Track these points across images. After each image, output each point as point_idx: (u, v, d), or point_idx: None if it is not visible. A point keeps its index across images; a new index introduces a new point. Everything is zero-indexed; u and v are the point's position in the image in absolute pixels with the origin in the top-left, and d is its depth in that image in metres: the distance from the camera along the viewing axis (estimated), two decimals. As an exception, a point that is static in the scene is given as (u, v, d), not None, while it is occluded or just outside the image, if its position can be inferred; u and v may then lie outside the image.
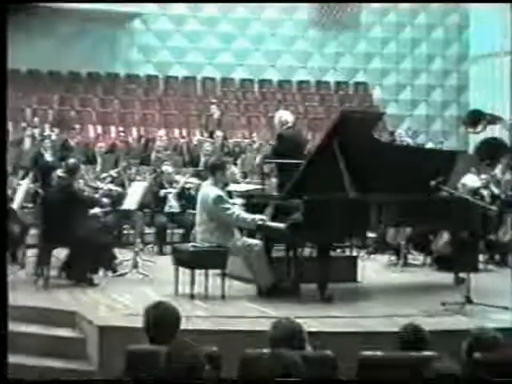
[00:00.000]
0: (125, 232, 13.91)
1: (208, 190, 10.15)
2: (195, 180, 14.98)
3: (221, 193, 10.07)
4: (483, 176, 14.58)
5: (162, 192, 14.68)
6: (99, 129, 20.61)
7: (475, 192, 13.39)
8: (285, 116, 12.05)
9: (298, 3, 25.48)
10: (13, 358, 8.61)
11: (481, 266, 12.44)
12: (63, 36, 22.69)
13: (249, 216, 10.01)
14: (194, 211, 12.31)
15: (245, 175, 13.90)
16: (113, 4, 22.75)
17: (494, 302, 9.29)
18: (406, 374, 5.03)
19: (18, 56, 22.57)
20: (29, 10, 21.78)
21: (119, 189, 14.22)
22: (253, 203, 10.52)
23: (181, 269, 9.93)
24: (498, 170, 15.90)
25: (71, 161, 13.03)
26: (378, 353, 5.67)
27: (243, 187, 11.80)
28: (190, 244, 10.93)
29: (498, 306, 9.18)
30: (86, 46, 23.25)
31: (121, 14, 23.49)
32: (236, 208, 10.10)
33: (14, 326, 9.14)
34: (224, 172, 10.68)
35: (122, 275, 11.41)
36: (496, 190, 13.90)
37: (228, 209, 9.91)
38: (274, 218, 9.98)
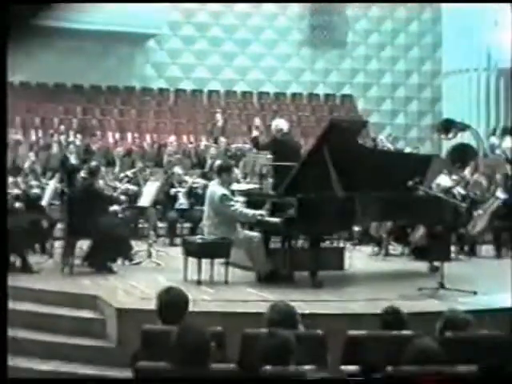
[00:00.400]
0: (140, 226, 13.89)
1: (215, 188, 10.17)
2: (202, 180, 14.97)
3: (226, 192, 10.08)
4: (454, 177, 14.55)
5: (173, 191, 14.69)
6: (117, 135, 20.59)
7: (447, 191, 13.36)
8: (281, 124, 12.06)
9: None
10: (42, 337, 8.65)
11: (452, 255, 12.41)
12: (87, 54, 22.68)
13: (249, 212, 10.03)
14: (200, 207, 12.34)
15: (245, 176, 13.84)
16: (130, 26, 22.76)
17: (463, 288, 9.32)
18: (388, 350, 5.02)
19: (46, 72, 22.62)
20: (58, 31, 21.77)
21: (135, 188, 14.20)
22: (252, 201, 10.51)
23: (189, 258, 9.93)
24: (467, 172, 15.88)
25: (93, 163, 13.03)
26: (363, 332, 5.67)
27: (244, 186, 11.77)
28: (198, 236, 10.93)
29: (467, 290, 9.22)
30: (107, 63, 23.27)
31: (137, 35, 23.53)
32: (238, 205, 10.10)
33: (43, 309, 9.18)
34: (230, 173, 10.71)
35: (137, 264, 11.40)
36: (462, 191, 13.87)
37: (232, 206, 9.93)
38: (271, 214, 9.97)
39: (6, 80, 1.56)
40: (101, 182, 12.48)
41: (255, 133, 12.41)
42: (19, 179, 14.26)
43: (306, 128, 22.68)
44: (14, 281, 10.13)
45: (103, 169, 14.43)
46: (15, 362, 8.06)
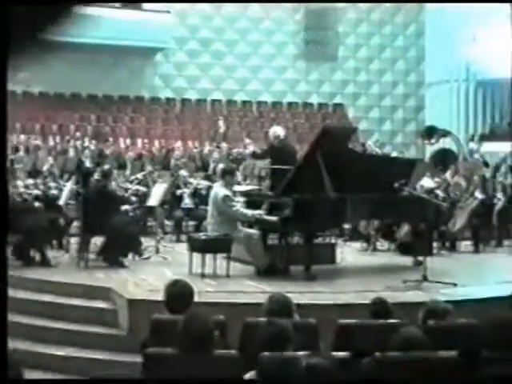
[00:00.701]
0: (149, 224, 13.86)
1: (218, 190, 10.18)
2: (205, 182, 14.97)
3: (228, 193, 10.09)
4: (436, 179, 14.57)
5: (179, 192, 14.69)
6: (128, 141, 20.59)
7: (430, 192, 13.37)
8: (278, 131, 12.05)
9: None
10: (59, 325, 8.65)
11: (434, 251, 12.42)
12: (100, 67, 22.69)
13: (249, 211, 10.04)
14: (204, 207, 12.34)
15: (245, 178, 13.86)
16: (140, 41, 22.78)
17: (445, 280, 9.32)
18: (376, 337, 5.02)
19: (63, 82, 22.63)
20: (74, 45, 21.76)
21: (144, 189, 14.21)
22: (252, 201, 10.52)
23: (194, 253, 9.92)
24: (448, 174, 15.88)
25: (106, 167, 13.04)
26: (353, 320, 5.67)
27: (244, 188, 11.79)
28: (202, 233, 10.95)
29: (448, 282, 9.23)
30: (118, 75, 23.27)
31: (147, 49, 23.55)
32: (239, 205, 10.10)
33: (60, 299, 9.18)
34: (232, 176, 10.72)
35: (146, 258, 11.39)
36: (441, 194, 13.87)
37: (233, 206, 9.94)
38: (269, 213, 9.97)
39: (7, 81, 1.52)
40: (113, 184, 12.47)
41: (251, 148, 12.36)
42: (39, 181, 14.25)
43: (300, 134, 22.66)
44: (34, 274, 10.17)
45: (115, 172, 14.43)
46: (34, 348, 8.08)
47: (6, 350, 2.62)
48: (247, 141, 13.20)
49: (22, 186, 13.65)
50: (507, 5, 23.35)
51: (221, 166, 15.91)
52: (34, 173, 15.09)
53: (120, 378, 3.61)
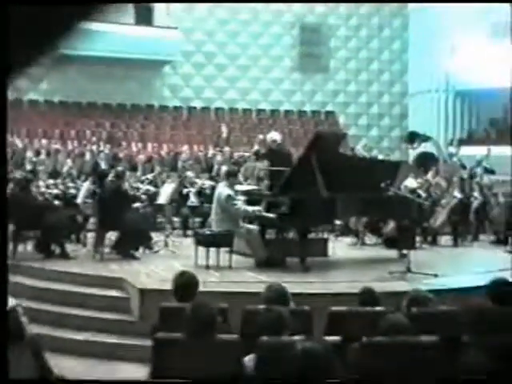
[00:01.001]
0: (158, 220, 13.85)
1: (222, 190, 10.18)
2: (209, 182, 14.97)
3: (231, 192, 10.09)
4: (419, 180, 14.57)
5: (185, 191, 14.68)
6: (140, 145, 20.61)
7: (413, 191, 13.37)
8: (275, 136, 12.05)
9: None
10: (77, 312, 8.65)
11: (417, 245, 12.40)
12: (114, 78, 22.70)
13: (249, 208, 10.04)
14: (209, 205, 12.32)
15: (246, 179, 13.84)
16: (150, 54, 22.81)
17: (427, 271, 9.33)
18: (364, 323, 5.02)
19: (81, 92, 22.65)
20: (91, 58, 21.78)
21: (154, 189, 14.22)
22: (252, 199, 10.51)
23: (199, 247, 9.93)
24: (429, 176, 15.87)
25: (119, 168, 13.03)
26: (343, 308, 5.67)
27: (245, 187, 11.75)
28: (207, 229, 10.94)
29: (429, 273, 9.24)
30: (130, 86, 23.27)
31: (156, 61, 23.58)
32: (240, 203, 10.09)
33: (78, 289, 9.19)
34: (235, 178, 10.74)
35: (156, 252, 11.37)
36: (423, 193, 13.86)
37: (235, 204, 9.94)
38: (267, 210, 9.98)
39: (7, 83, 1.49)
40: (126, 184, 12.48)
41: (256, 147, 12.34)
42: (58, 181, 14.26)
43: (296, 139, 22.63)
44: (54, 265, 10.17)
45: (128, 173, 14.43)
46: (55, 333, 8.08)
47: (6, 350, 2.53)
48: (256, 147, 13.17)
49: (43, 186, 13.66)
50: (485, 20, 23.41)
51: (224, 168, 15.93)
52: (55, 174, 15.08)
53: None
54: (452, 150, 21.42)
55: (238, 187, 11.64)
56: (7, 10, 1.07)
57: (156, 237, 11.76)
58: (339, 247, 11.57)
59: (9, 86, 1.11)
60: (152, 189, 14.30)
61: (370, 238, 13.37)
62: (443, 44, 23.66)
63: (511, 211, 14.76)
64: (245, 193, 10.79)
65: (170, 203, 12.97)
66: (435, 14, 24.47)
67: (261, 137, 13.93)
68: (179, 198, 14.10)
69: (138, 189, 13.90)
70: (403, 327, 4.22)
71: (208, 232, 10.34)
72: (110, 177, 12.06)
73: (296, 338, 4.35)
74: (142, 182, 15.05)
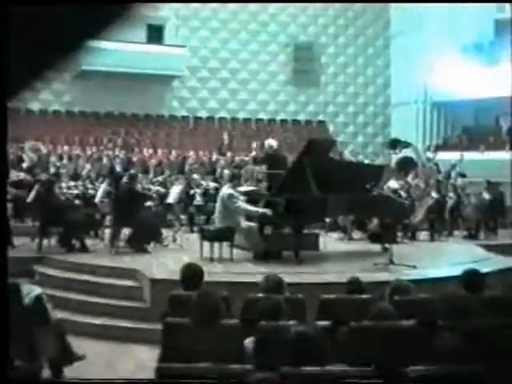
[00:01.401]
0: (168, 218, 13.86)
1: (226, 190, 10.16)
2: (213, 184, 14.98)
3: (233, 192, 10.06)
4: (400, 182, 14.59)
5: (192, 192, 14.70)
6: (151, 151, 20.54)
7: (395, 192, 13.38)
8: (271, 143, 12.07)
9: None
10: (95, 299, 8.65)
11: (398, 239, 12.43)
12: (129, 91, 22.68)
13: (249, 207, 10.03)
14: (212, 204, 12.34)
15: (246, 180, 13.83)
16: (161, 70, 22.82)
17: (407, 263, 9.33)
18: (352, 310, 5.03)
19: (99, 103, 22.65)
20: (108, 73, 21.78)
21: (163, 189, 14.23)
22: (251, 199, 10.50)
23: (204, 242, 9.93)
24: (409, 178, 15.89)
25: (132, 172, 13.05)
26: (333, 296, 5.67)
27: (245, 188, 11.75)
28: (211, 226, 10.96)
29: (409, 265, 9.23)
30: (143, 97, 23.24)
31: (166, 76, 23.60)
32: (241, 202, 10.08)
33: (96, 279, 9.19)
34: (238, 180, 10.74)
35: (165, 246, 11.39)
36: (404, 193, 13.87)
37: (236, 203, 9.92)
38: (266, 208, 9.98)
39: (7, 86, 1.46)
40: (138, 185, 12.49)
41: (254, 153, 12.35)
42: (79, 183, 14.27)
43: (290, 145, 22.51)
44: (75, 258, 10.18)
45: (140, 175, 14.45)
46: (75, 318, 8.08)
47: (6, 351, 2.48)
48: (254, 152, 13.16)
49: (65, 187, 13.67)
50: (457, 41, 23.48)
51: (226, 171, 15.96)
52: (75, 176, 15.10)
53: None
54: (429, 155, 21.46)
55: (240, 188, 11.67)
56: (7, 11, 1.05)
57: (165, 232, 11.76)
58: (329, 242, 11.58)
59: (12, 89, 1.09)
60: (162, 190, 14.31)
61: (356, 234, 13.39)
62: (421, 61, 23.70)
63: (482, 210, 14.82)
64: (245, 193, 10.80)
65: (178, 202, 12.97)
66: (414, 35, 24.59)
67: (256, 144, 13.86)
68: (186, 197, 14.12)
69: (149, 189, 13.91)
70: (389, 313, 4.23)
71: (212, 228, 10.35)
72: (125, 179, 12.07)
73: (291, 322, 4.36)
74: (153, 183, 15.06)
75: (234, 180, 10.54)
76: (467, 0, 21.94)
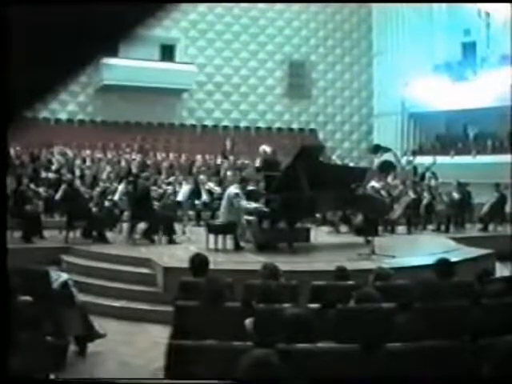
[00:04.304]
0: (178, 213, 13.84)
1: (233, 189, 10.09)
2: (217, 188, 14.89)
3: (239, 191, 10.01)
4: (381, 182, 14.58)
5: (199, 190, 14.66)
6: (164, 155, 20.53)
7: (377, 191, 13.38)
8: (265, 148, 12.08)
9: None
10: (115, 284, 8.64)
11: (380, 233, 12.42)
12: (145, 102, 22.68)
13: (250, 204, 10.01)
14: (217, 202, 12.35)
15: (248, 181, 13.80)
16: (172, 84, 22.81)
17: (387, 253, 9.34)
18: (339, 294, 5.02)
19: (118, 113, 22.64)
20: (127, 87, 21.78)
21: (174, 188, 14.21)
22: (252, 197, 10.48)
23: (210, 234, 9.93)
24: (389, 179, 15.90)
25: (146, 173, 13.04)
26: (322, 282, 5.68)
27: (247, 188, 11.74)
28: (216, 220, 10.94)
29: (389, 255, 9.25)
30: (157, 108, 23.26)
31: (177, 90, 23.62)
32: (244, 200, 10.04)
33: (116, 267, 9.18)
34: (247, 183, 10.69)
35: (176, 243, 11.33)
36: (384, 193, 13.85)
37: (240, 200, 9.90)
38: (264, 206, 9.98)
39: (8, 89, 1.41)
40: (152, 185, 12.49)
41: (258, 163, 12.26)
42: (101, 183, 14.26)
43: (286, 150, 22.46)
44: (97, 248, 10.18)
45: (154, 176, 14.44)
46: (97, 300, 8.08)
47: (6, 350, 2.37)
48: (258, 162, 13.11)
49: (87, 185, 13.66)
50: (430, 60, 23.52)
51: (229, 173, 15.95)
52: (97, 177, 15.09)
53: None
54: (407, 158, 21.46)
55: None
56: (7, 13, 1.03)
57: (176, 226, 11.77)
58: (319, 235, 11.56)
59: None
60: (172, 189, 14.27)
61: (343, 228, 13.38)
62: (399, 77, 23.77)
63: (452, 207, 14.83)
64: (246, 192, 10.79)
65: (186, 200, 12.96)
66: (393, 55, 24.70)
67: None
68: (194, 196, 14.09)
69: (161, 188, 13.89)
70: (372, 297, 4.23)
71: (217, 222, 10.34)
72: (140, 179, 12.06)
73: (286, 305, 4.36)
74: (166, 183, 15.03)
75: (243, 182, 10.53)
76: (466, 0, 21.96)
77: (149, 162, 18.27)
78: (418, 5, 23.63)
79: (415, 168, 19.83)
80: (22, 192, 11.55)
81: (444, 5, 23.88)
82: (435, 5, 24.10)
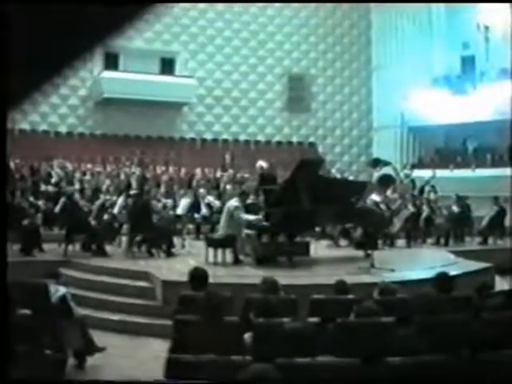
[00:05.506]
0: (177, 227, 13.84)
1: (232, 203, 10.10)
2: (216, 201, 14.89)
3: (238, 205, 10.02)
4: (381, 196, 14.59)
5: (198, 204, 14.66)
6: (163, 168, 20.57)
7: (377, 205, 13.39)
8: (262, 164, 12.14)
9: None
10: (113, 298, 8.61)
11: (379, 246, 12.40)
12: (145, 116, 22.71)
13: (250, 217, 10.01)
14: (217, 215, 12.35)
15: (248, 195, 13.84)
16: (172, 97, 22.87)
17: (386, 267, 9.32)
18: (338, 307, 5.02)
19: (118, 127, 22.68)
20: (126, 100, 21.84)
21: (173, 202, 14.21)
22: (251, 210, 10.48)
23: (209, 248, 9.93)
24: (388, 192, 15.91)
25: (146, 187, 13.06)
26: (322, 296, 5.67)
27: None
28: (215, 234, 10.94)
29: (388, 268, 9.22)
30: (157, 122, 23.26)
31: (177, 103, 23.64)
32: (243, 214, 10.04)
33: (114, 280, 9.16)
34: (247, 196, 10.69)
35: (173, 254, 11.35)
36: (384, 206, 13.87)
37: (240, 213, 9.90)
38: (263, 219, 9.98)
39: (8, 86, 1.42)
40: (152, 199, 12.49)
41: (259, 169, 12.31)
42: (101, 196, 14.26)
43: (285, 164, 22.49)
44: (96, 262, 10.16)
45: (153, 190, 14.45)
46: (96, 314, 8.06)
47: (6, 350, 2.41)
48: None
49: (87, 199, 13.66)
50: (428, 74, 23.63)
51: (228, 186, 15.98)
52: (97, 190, 15.09)
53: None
54: (406, 172, 21.50)
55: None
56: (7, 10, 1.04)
57: (175, 240, 11.75)
58: (319, 248, 11.56)
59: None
60: (172, 202, 14.27)
61: (343, 241, 13.37)
62: (398, 91, 23.83)
63: (451, 220, 14.84)
64: (246, 206, 10.80)
65: (186, 213, 12.97)
66: (392, 69, 24.81)
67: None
68: (193, 209, 14.09)
69: (161, 202, 13.89)
70: (372, 311, 4.23)
71: (216, 236, 10.33)
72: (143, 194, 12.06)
73: (285, 319, 4.36)
74: (165, 197, 15.04)
75: (242, 195, 10.54)
76: (468, 0, 22.05)
77: (148, 175, 18.29)
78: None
79: (413, 181, 19.85)
80: (20, 205, 11.56)
81: (443, 18, 24.01)
82: (434, 18, 24.24)
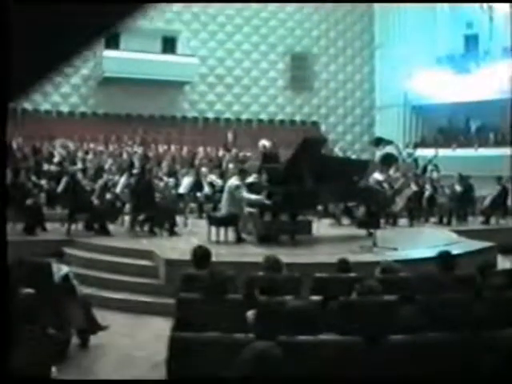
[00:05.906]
0: (180, 206, 13.84)
1: (233, 181, 10.08)
2: (219, 180, 14.89)
3: (239, 183, 10.00)
4: (383, 175, 14.56)
5: (201, 183, 14.65)
6: (165, 147, 20.52)
7: (379, 183, 13.37)
8: (264, 143, 12.08)
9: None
10: (117, 277, 8.64)
11: (382, 225, 12.39)
12: (147, 95, 22.60)
13: (252, 196, 9.99)
14: (219, 194, 12.33)
15: (250, 174, 13.81)
16: (175, 76, 22.74)
17: (389, 246, 9.33)
18: (341, 286, 5.03)
19: (120, 106, 22.59)
20: (129, 79, 21.73)
21: (176, 181, 14.20)
22: (254, 189, 10.46)
23: (211, 226, 9.92)
24: (391, 171, 15.87)
25: (148, 166, 13.03)
26: (325, 274, 5.67)
27: (249, 181, 11.72)
28: (217, 212, 10.93)
29: (391, 247, 9.23)
30: (159, 100, 23.18)
31: (179, 82, 23.52)
32: (245, 192, 10.03)
33: (117, 259, 9.18)
34: (246, 174, 10.65)
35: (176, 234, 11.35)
36: (386, 185, 13.83)
37: (241, 192, 9.88)
38: (266, 198, 9.96)
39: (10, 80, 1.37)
40: (154, 177, 12.47)
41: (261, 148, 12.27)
42: (104, 175, 14.23)
43: (288, 143, 22.42)
44: (99, 240, 10.17)
45: (155, 169, 14.42)
46: (99, 293, 8.08)
47: (8, 343, 2.40)
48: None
49: (89, 179, 13.63)
50: (432, 53, 23.44)
51: (231, 165, 15.94)
52: (99, 169, 15.07)
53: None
54: (409, 151, 21.44)
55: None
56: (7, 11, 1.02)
57: (178, 219, 11.76)
58: (321, 227, 11.57)
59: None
60: (174, 181, 14.26)
61: (345, 220, 13.38)
62: (402, 70, 23.69)
63: (454, 200, 14.82)
64: (249, 184, 10.78)
65: (188, 192, 12.96)
66: (395, 48, 24.60)
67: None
68: (196, 188, 14.08)
69: (163, 181, 13.87)
70: (375, 290, 4.23)
71: (218, 215, 10.33)
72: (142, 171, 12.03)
73: (287, 297, 4.36)
74: (167, 175, 15.02)
75: (242, 173, 10.49)
76: (469, 0, 21.88)
77: (150, 154, 18.25)
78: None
79: (416, 160, 19.81)
80: (23, 184, 11.55)
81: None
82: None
